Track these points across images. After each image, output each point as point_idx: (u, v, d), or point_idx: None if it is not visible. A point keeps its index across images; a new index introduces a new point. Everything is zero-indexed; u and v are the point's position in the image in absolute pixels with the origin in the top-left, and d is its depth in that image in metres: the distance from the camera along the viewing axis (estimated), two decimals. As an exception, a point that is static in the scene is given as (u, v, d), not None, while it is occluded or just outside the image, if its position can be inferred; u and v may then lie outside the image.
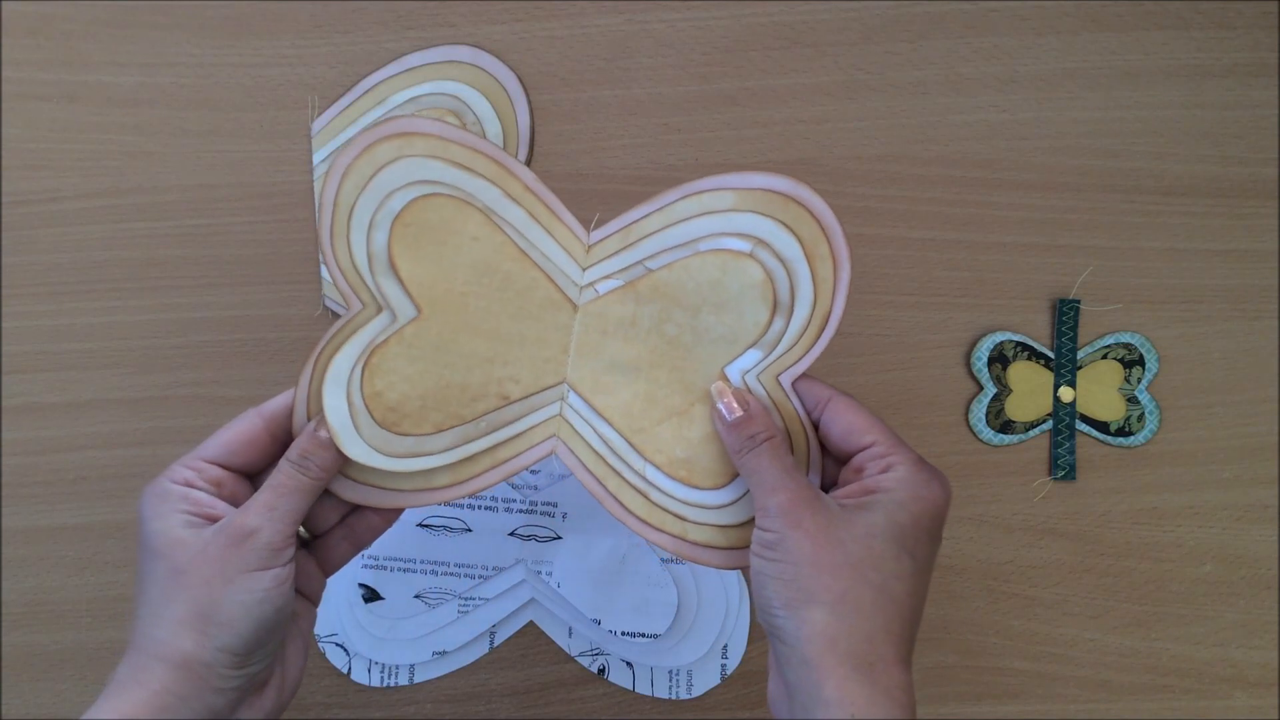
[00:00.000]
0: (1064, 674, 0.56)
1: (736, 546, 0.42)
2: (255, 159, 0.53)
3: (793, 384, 0.41)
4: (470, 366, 0.42)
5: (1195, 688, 0.56)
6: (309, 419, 0.41)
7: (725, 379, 0.41)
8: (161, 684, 0.36)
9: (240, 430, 0.40)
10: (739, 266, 0.41)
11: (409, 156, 0.41)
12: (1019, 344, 0.54)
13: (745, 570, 0.41)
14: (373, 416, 0.41)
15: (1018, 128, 0.54)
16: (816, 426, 0.41)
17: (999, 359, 0.54)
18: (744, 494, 0.41)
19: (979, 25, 0.53)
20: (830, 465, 0.42)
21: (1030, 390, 0.55)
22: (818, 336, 0.41)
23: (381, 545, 0.53)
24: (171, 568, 0.37)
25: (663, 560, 0.54)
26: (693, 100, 0.53)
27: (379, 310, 0.41)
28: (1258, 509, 0.55)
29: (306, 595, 0.42)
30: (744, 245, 0.41)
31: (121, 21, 0.53)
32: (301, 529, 0.41)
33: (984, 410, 0.55)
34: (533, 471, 0.54)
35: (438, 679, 0.55)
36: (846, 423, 0.40)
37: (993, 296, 0.55)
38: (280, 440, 0.41)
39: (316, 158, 0.53)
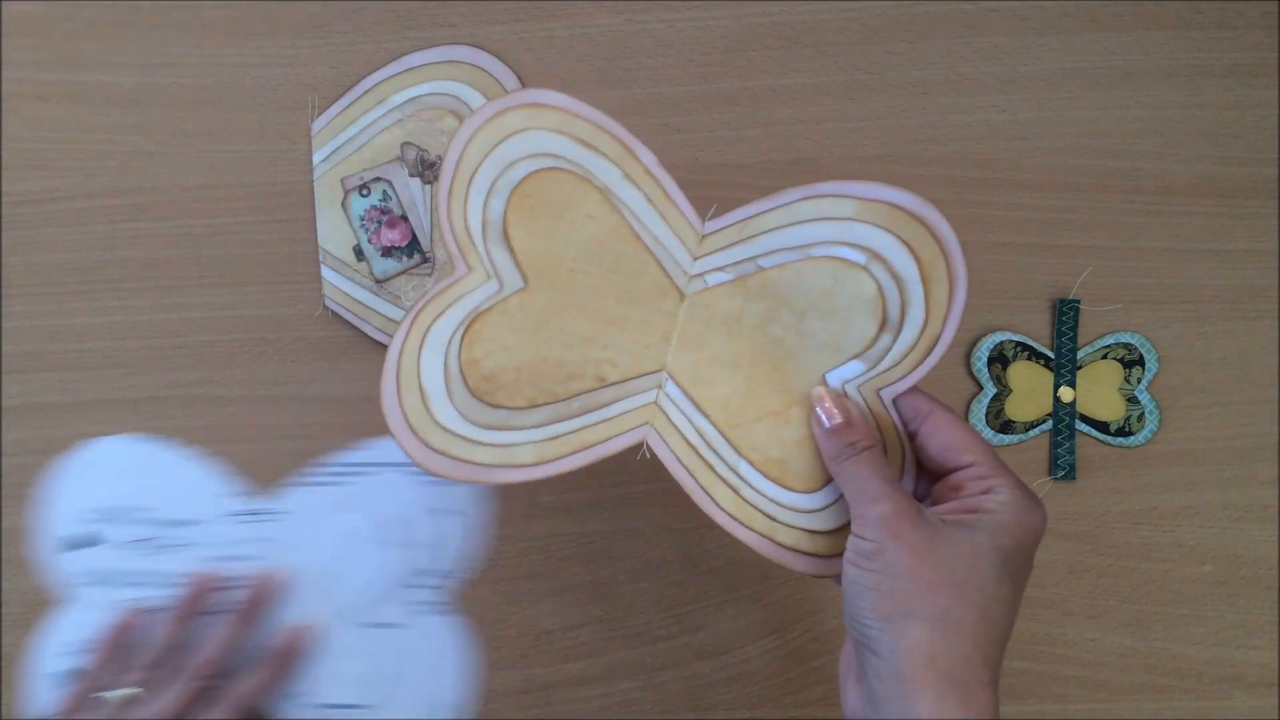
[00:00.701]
0: (1064, 674, 0.56)
1: (823, 554, 0.41)
2: (255, 159, 0.53)
3: (894, 399, 0.41)
4: (570, 344, 0.41)
5: (1195, 688, 0.56)
6: (397, 381, 0.40)
7: (826, 385, 0.41)
8: None
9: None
10: (852, 277, 0.41)
11: (536, 129, 0.41)
12: (1019, 344, 0.54)
13: (834, 579, 0.41)
14: (466, 384, 0.41)
15: (1018, 128, 0.54)
16: (913, 438, 0.41)
17: (999, 359, 0.54)
18: (835, 500, 0.41)
19: (979, 25, 0.53)
20: (921, 481, 0.41)
21: (1030, 390, 0.55)
22: (924, 358, 0.41)
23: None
24: None
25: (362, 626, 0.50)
26: (693, 100, 0.53)
27: (487, 278, 0.41)
28: (1258, 509, 0.55)
29: None
30: (859, 257, 0.40)
31: (121, 21, 0.53)
32: None
33: (984, 410, 0.55)
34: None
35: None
36: (947, 438, 0.39)
37: (993, 296, 0.55)
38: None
39: (316, 158, 0.53)
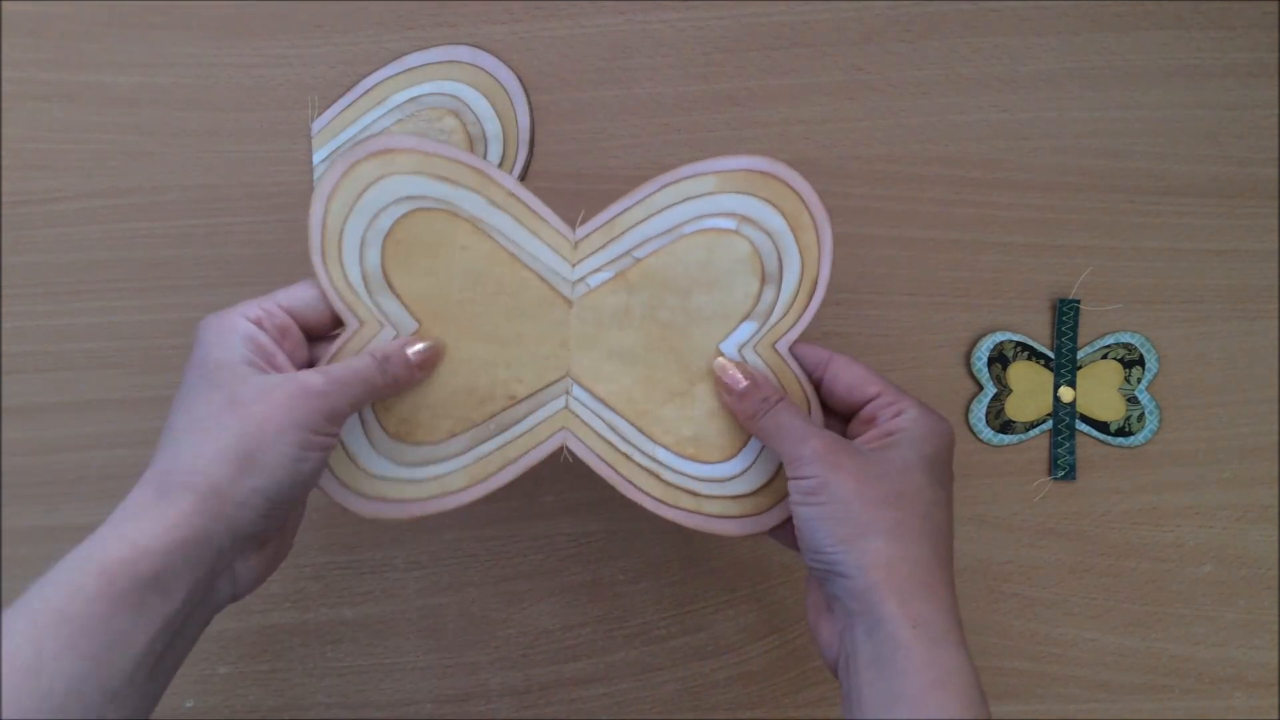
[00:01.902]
0: (1064, 674, 0.56)
1: (750, 514, 0.43)
2: (255, 159, 0.53)
3: (790, 350, 0.43)
4: (475, 371, 0.43)
5: (1195, 688, 0.56)
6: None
7: (724, 356, 0.43)
8: (182, 513, 0.35)
9: (306, 290, 0.42)
10: (725, 243, 0.43)
11: (392, 175, 0.41)
12: (1019, 344, 0.54)
13: (771, 534, 0.44)
14: (385, 430, 0.42)
15: (1018, 128, 0.54)
16: (819, 386, 0.44)
17: (999, 359, 0.54)
18: (752, 464, 0.43)
19: (979, 25, 0.53)
20: (834, 423, 0.44)
21: (1030, 390, 0.55)
22: (809, 301, 0.43)
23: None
24: (230, 399, 0.37)
25: None
26: (693, 100, 0.53)
27: (380, 326, 0.42)
28: (1258, 509, 0.55)
29: None
30: (729, 223, 0.43)
31: (121, 21, 0.53)
32: None
33: (984, 410, 0.55)
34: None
35: (438, 680, 0.55)
36: (851, 376, 0.43)
37: (993, 296, 0.55)
38: (334, 319, 0.42)
39: (316, 158, 0.53)
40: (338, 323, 0.42)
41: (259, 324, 0.39)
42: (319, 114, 0.53)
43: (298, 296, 0.41)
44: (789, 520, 0.43)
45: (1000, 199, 0.54)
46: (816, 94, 0.54)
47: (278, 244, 0.54)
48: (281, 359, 0.39)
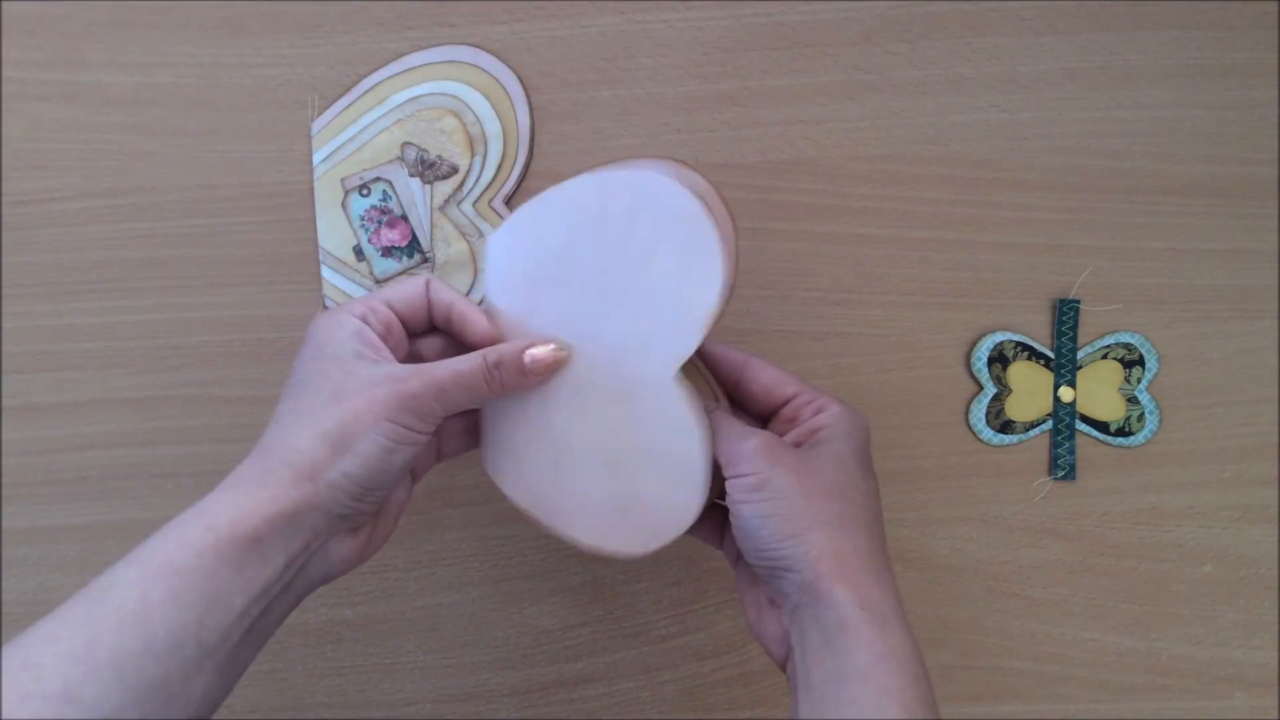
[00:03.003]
0: (1064, 674, 0.56)
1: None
2: (255, 159, 0.53)
3: (706, 351, 0.44)
4: None
5: (1195, 688, 0.56)
6: None
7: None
8: (283, 488, 0.38)
9: (411, 287, 0.43)
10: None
11: None
12: (1019, 344, 0.54)
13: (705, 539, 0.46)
14: None
15: (1018, 128, 0.54)
16: (736, 388, 0.45)
17: (999, 359, 0.54)
18: None
19: (979, 25, 0.53)
20: (752, 424, 0.45)
21: (1030, 390, 0.55)
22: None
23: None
24: (335, 390, 0.39)
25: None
26: (693, 100, 0.53)
27: None
28: (1258, 509, 0.55)
29: (414, 475, 0.45)
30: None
31: (121, 21, 0.53)
32: None
33: (984, 410, 0.55)
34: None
35: (438, 680, 0.55)
36: (767, 378, 0.44)
37: (993, 296, 0.55)
38: (431, 316, 0.44)
39: (316, 158, 0.53)
40: (432, 324, 0.44)
41: (364, 319, 0.41)
42: (319, 114, 0.53)
43: (399, 295, 0.43)
44: (709, 517, 0.44)
45: (1000, 199, 0.54)
46: (816, 94, 0.54)
47: (278, 244, 0.54)
48: (386, 352, 0.41)
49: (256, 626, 0.38)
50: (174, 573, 0.36)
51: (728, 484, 0.41)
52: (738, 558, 0.44)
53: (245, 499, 0.38)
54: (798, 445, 0.42)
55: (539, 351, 0.42)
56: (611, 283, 0.42)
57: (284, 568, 0.38)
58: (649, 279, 0.41)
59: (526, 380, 0.42)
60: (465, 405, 0.41)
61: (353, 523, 0.41)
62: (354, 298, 0.53)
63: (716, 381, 0.45)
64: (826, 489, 0.40)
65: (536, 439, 0.44)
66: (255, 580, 0.37)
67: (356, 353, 0.40)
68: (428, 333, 0.45)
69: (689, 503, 0.43)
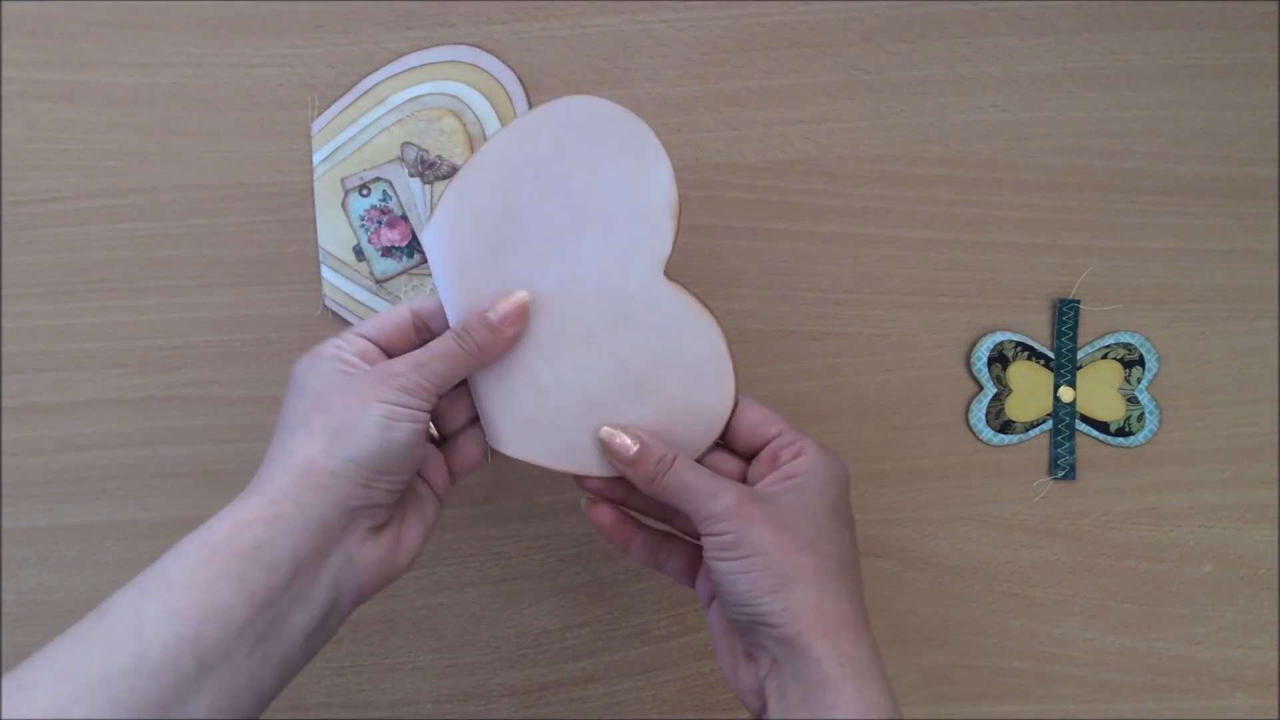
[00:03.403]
0: (1064, 674, 0.56)
1: None
2: (255, 159, 0.53)
3: None
4: None
5: (1195, 688, 0.56)
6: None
7: (610, 425, 0.43)
8: (281, 490, 0.37)
9: (389, 315, 0.43)
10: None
11: None
12: (1019, 344, 0.54)
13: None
14: None
15: (1018, 128, 0.54)
16: (726, 426, 0.44)
17: (999, 359, 0.54)
18: None
19: (979, 25, 0.53)
20: (735, 463, 0.45)
21: (1030, 390, 0.55)
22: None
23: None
24: (318, 400, 0.39)
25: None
26: (693, 100, 0.53)
27: None
28: (1258, 509, 0.55)
29: (434, 489, 0.44)
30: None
31: (121, 21, 0.53)
32: (432, 427, 0.43)
33: (984, 410, 0.55)
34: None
35: (438, 680, 0.55)
36: (753, 416, 0.44)
37: (993, 296, 0.55)
38: (425, 336, 0.43)
39: (316, 158, 0.53)
40: (415, 344, 0.43)
41: (338, 349, 0.41)
42: (319, 114, 0.53)
43: (374, 324, 0.43)
44: (680, 555, 0.45)
45: (1000, 199, 0.54)
46: (816, 94, 0.54)
47: (277, 244, 0.54)
48: (365, 367, 0.41)
49: (267, 641, 0.36)
50: (168, 588, 0.35)
51: (703, 540, 0.40)
52: (711, 598, 0.44)
53: (242, 510, 0.37)
54: (775, 490, 0.41)
55: (503, 305, 0.42)
56: (565, 220, 0.42)
57: (292, 574, 0.36)
58: (600, 198, 0.41)
59: (500, 335, 0.42)
60: (452, 377, 0.41)
61: (372, 518, 0.40)
62: (355, 299, 0.53)
63: None
64: (801, 543, 0.39)
65: (557, 399, 0.44)
66: (259, 590, 0.36)
67: (338, 370, 0.40)
68: None
69: (722, 392, 0.43)
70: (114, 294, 0.54)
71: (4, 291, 0.54)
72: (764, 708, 0.40)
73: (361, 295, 0.53)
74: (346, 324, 0.53)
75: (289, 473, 0.38)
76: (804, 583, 0.39)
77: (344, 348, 0.41)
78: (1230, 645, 0.56)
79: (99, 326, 0.54)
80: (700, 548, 0.41)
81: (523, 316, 0.42)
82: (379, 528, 0.40)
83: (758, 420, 0.43)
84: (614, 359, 0.43)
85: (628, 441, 0.42)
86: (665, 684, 0.56)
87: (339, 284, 0.53)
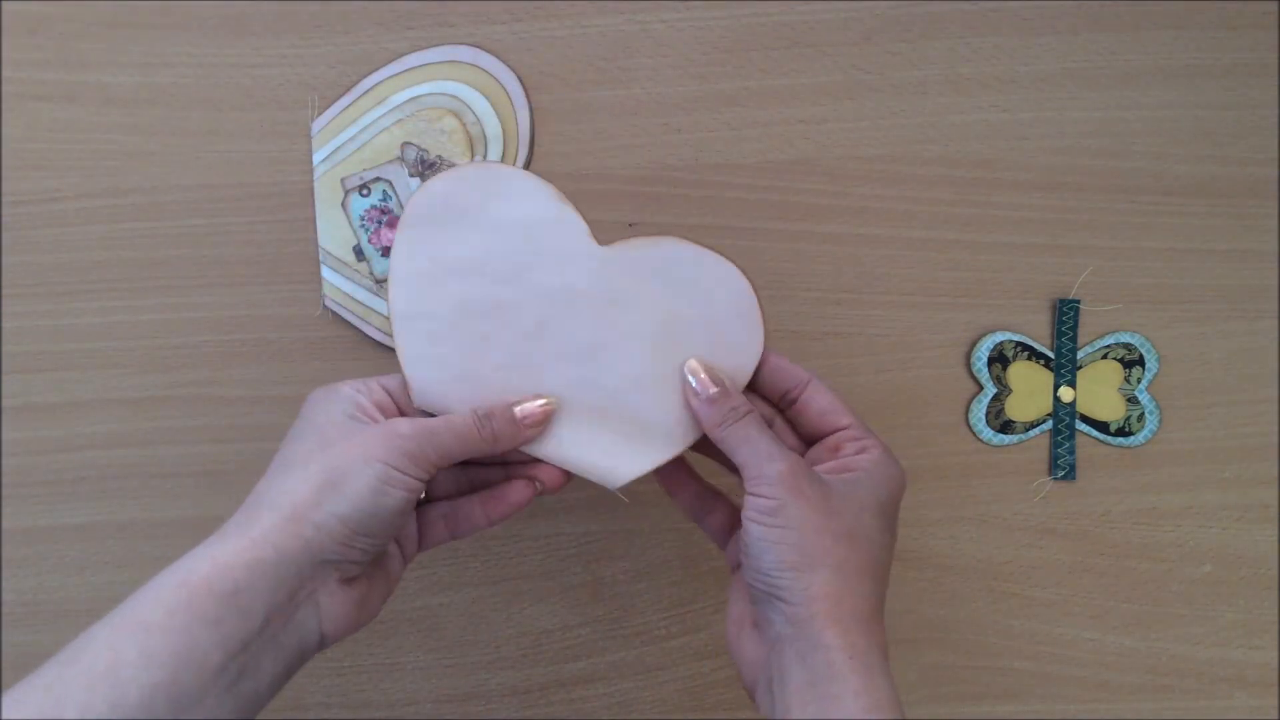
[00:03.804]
0: (1064, 674, 0.56)
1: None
2: (255, 159, 0.53)
3: (771, 363, 0.44)
4: None
5: (1195, 688, 0.56)
6: None
7: (698, 359, 0.43)
8: (263, 532, 0.37)
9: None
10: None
11: None
12: (1019, 344, 0.54)
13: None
14: None
15: (1018, 128, 0.54)
16: (793, 405, 0.44)
17: (999, 359, 0.54)
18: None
19: (979, 25, 0.53)
20: (796, 444, 0.45)
21: (1030, 390, 0.55)
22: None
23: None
24: (322, 440, 0.39)
25: None
26: (693, 100, 0.53)
27: None
28: (1258, 509, 0.55)
29: (404, 551, 0.44)
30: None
31: (121, 21, 0.53)
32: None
33: (984, 410, 0.55)
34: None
35: (438, 680, 0.55)
36: (824, 403, 0.43)
37: (993, 296, 0.55)
38: None
39: (316, 158, 0.53)
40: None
41: (358, 391, 0.41)
42: (319, 114, 0.53)
43: (396, 380, 0.43)
44: (719, 510, 0.45)
45: (1000, 199, 0.54)
46: (816, 94, 0.54)
47: (277, 244, 0.54)
48: (379, 418, 0.41)
49: (239, 685, 0.36)
50: (145, 631, 0.35)
51: (745, 498, 0.40)
52: (737, 565, 0.44)
53: (223, 549, 0.37)
54: (830, 478, 0.41)
55: (530, 406, 0.42)
56: (530, 282, 0.43)
57: (265, 620, 0.37)
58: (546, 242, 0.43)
59: (520, 432, 0.42)
60: (458, 455, 0.41)
61: (344, 572, 0.39)
62: (355, 299, 0.53)
63: (771, 392, 0.45)
64: (840, 531, 0.39)
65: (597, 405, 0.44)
66: (234, 636, 0.36)
67: (348, 414, 0.40)
68: None
69: (751, 329, 0.43)
70: (114, 294, 0.54)
71: (4, 291, 0.54)
72: (758, 683, 0.40)
73: (361, 295, 0.53)
74: (346, 324, 0.54)
75: (275, 514, 0.38)
76: (830, 569, 0.38)
77: (363, 393, 0.41)
78: (1230, 645, 0.56)
79: (99, 326, 0.54)
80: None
81: (545, 422, 0.43)
82: (349, 580, 0.40)
83: (827, 407, 0.43)
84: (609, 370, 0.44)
85: (709, 381, 0.42)
86: (665, 684, 0.56)
87: (339, 284, 0.53)
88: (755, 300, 0.43)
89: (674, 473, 0.46)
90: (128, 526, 0.54)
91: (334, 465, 0.38)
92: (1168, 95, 0.54)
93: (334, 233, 0.53)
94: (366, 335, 0.53)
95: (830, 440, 0.43)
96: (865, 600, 0.39)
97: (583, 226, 0.43)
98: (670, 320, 0.43)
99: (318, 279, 0.53)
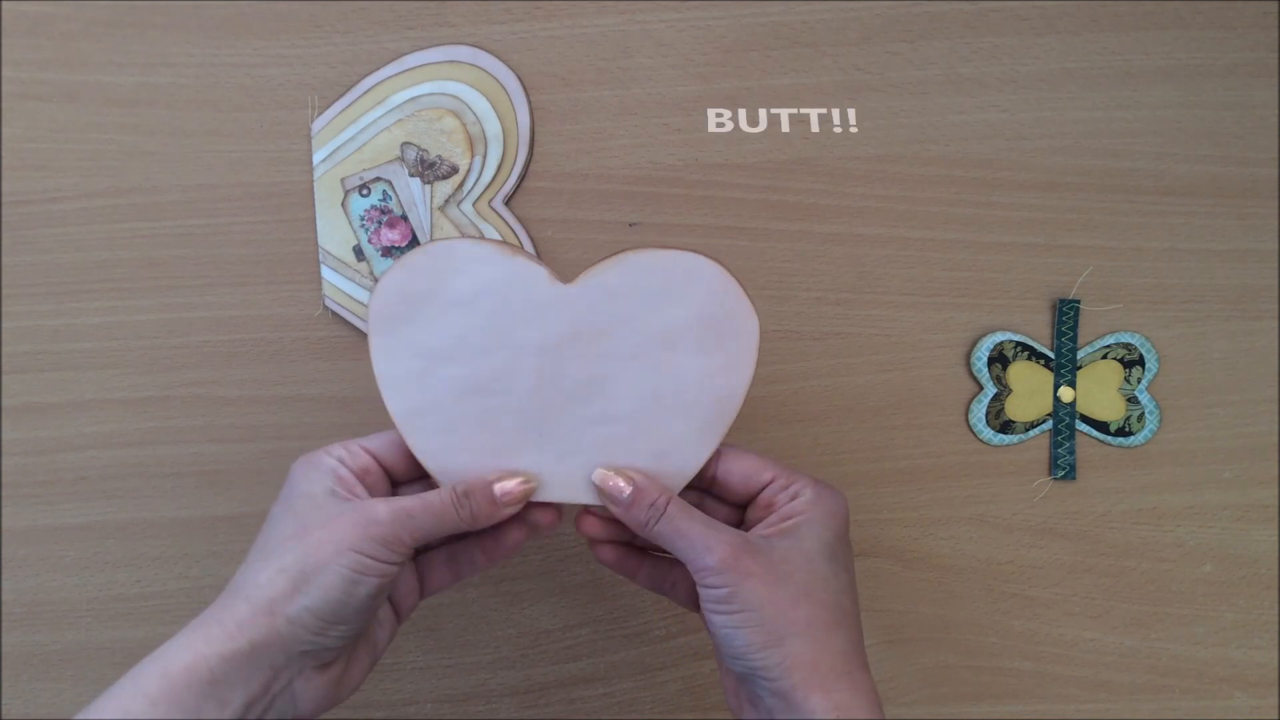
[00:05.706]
0: (1064, 674, 0.56)
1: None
2: (255, 159, 0.53)
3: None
4: None
5: (1195, 688, 0.56)
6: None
7: (602, 467, 0.42)
8: (238, 623, 0.38)
9: (388, 436, 0.43)
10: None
11: None
12: (1019, 344, 0.54)
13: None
14: None
15: (1018, 128, 0.54)
16: (713, 481, 0.43)
17: (999, 359, 0.54)
18: None
19: (979, 25, 0.53)
20: (730, 512, 0.44)
21: (1030, 390, 0.55)
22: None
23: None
24: (299, 526, 0.39)
25: None
26: (693, 100, 0.53)
27: None
28: (1258, 509, 0.55)
29: (396, 607, 0.44)
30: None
31: (121, 21, 0.53)
32: None
33: (984, 410, 0.55)
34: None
35: (438, 680, 0.55)
36: (744, 466, 0.43)
37: (993, 296, 0.55)
38: (415, 465, 0.43)
39: (316, 158, 0.53)
40: (421, 474, 0.43)
41: (340, 460, 0.41)
42: (319, 114, 0.53)
43: (381, 441, 0.43)
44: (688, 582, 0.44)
45: (1000, 199, 0.54)
46: (816, 94, 0.54)
47: (277, 244, 0.54)
48: (361, 491, 0.41)
49: None
50: None
51: (698, 589, 0.40)
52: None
53: (201, 639, 0.37)
54: (770, 535, 0.41)
55: (509, 485, 0.42)
56: (506, 327, 0.42)
57: (244, 708, 0.37)
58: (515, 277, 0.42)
59: (498, 511, 0.42)
60: (435, 535, 0.41)
61: (319, 659, 0.39)
62: (355, 299, 0.53)
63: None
64: (797, 594, 0.39)
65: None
66: None
67: (329, 490, 0.40)
68: (415, 480, 0.44)
69: (739, 304, 0.42)
70: (114, 294, 0.54)
71: (4, 291, 0.54)
72: None
73: (361, 295, 0.53)
74: (346, 324, 0.54)
75: (249, 606, 0.38)
76: (798, 637, 0.38)
77: (345, 461, 0.41)
78: (1230, 645, 0.56)
79: (99, 326, 0.54)
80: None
81: (523, 501, 0.42)
82: (325, 664, 0.40)
83: (748, 470, 0.43)
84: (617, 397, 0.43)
85: (620, 484, 0.41)
86: (665, 684, 0.56)
87: (339, 284, 0.53)
88: (733, 280, 0.42)
89: (625, 559, 0.45)
90: (128, 526, 0.54)
91: (307, 556, 0.38)
92: (1168, 95, 0.54)
93: (334, 233, 0.53)
94: (366, 335, 0.53)
95: (761, 498, 0.42)
96: (841, 655, 0.39)
97: (541, 271, 0.42)
98: (661, 328, 0.42)
99: (318, 279, 0.53)
